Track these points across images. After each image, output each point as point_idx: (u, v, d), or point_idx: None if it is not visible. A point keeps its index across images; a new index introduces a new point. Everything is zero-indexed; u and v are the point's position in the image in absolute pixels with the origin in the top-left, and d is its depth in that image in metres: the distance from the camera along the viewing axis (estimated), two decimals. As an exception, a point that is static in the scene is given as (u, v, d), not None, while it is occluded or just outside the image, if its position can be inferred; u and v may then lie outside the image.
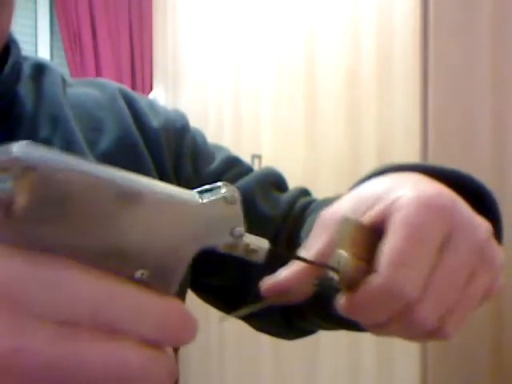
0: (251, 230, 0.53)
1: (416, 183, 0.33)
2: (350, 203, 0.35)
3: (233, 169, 0.57)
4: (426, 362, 1.19)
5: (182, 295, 0.53)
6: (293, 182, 0.61)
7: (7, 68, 0.48)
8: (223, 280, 0.55)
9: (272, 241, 0.53)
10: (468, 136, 1.24)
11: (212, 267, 0.53)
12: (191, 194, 0.25)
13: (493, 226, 0.35)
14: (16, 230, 0.22)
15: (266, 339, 1.05)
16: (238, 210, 0.26)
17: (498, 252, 0.32)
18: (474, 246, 0.31)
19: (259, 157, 1.64)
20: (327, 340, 1.37)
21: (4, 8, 0.44)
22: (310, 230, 0.49)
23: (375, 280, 0.30)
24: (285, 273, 0.34)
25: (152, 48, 2.41)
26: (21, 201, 0.21)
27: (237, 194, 0.25)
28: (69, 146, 0.48)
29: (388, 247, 0.30)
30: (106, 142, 0.50)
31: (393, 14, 1.25)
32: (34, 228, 0.22)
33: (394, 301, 0.30)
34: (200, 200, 0.25)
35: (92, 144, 0.50)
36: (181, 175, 0.54)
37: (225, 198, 0.25)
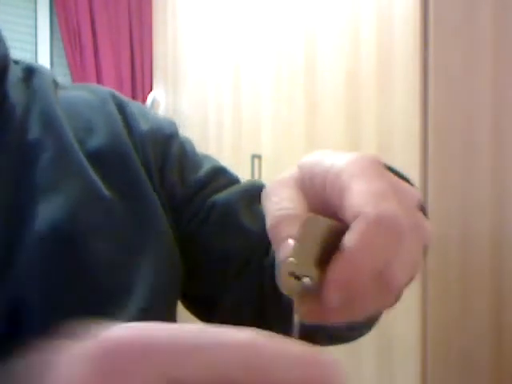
0: (232, 242, 0.53)
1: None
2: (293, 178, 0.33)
3: (219, 179, 0.57)
4: (425, 361, 1.19)
5: (173, 304, 0.53)
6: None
7: None
8: (196, 290, 0.56)
9: (251, 254, 0.53)
10: (468, 136, 1.24)
11: (186, 278, 0.54)
12: None
13: None
14: None
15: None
16: None
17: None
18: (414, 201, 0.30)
19: (259, 157, 1.64)
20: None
21: None
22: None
23: (365, 216, 0.26)
24: None
25: (152, 48, 2.41)
26: None
27: None
28: (61, 146, 0.48)
29: (358, 187, 0.27)
30: (95, 142, 0.51)
31: (393, 15, 1.25)
32: None
33: (390, 234, 0.27)
34: None
35: (82, 143, 0.50)
36: (166, 180, 0.54)
37: None
